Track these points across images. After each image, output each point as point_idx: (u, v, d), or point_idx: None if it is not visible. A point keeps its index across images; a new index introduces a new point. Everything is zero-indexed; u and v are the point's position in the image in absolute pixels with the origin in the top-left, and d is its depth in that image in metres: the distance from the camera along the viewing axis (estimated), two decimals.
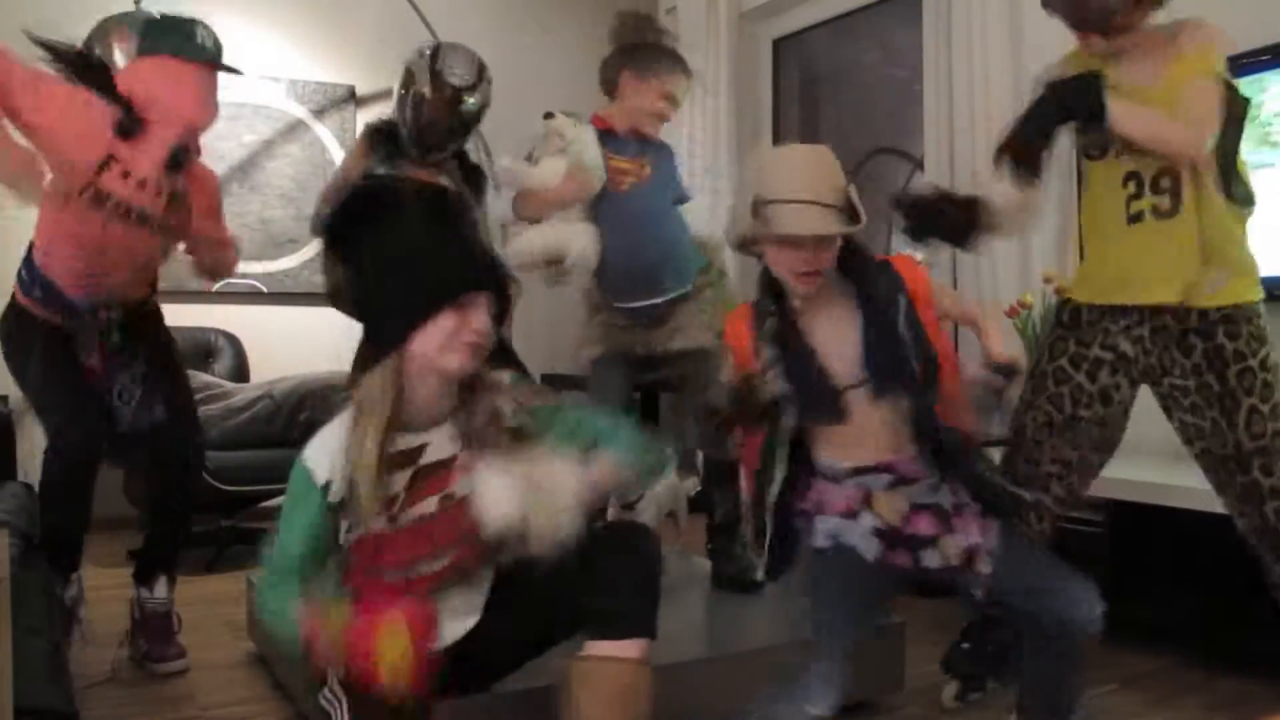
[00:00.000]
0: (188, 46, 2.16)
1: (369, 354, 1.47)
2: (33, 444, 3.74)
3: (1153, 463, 2.53)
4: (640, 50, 2.51)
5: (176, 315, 4.07)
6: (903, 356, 1.61)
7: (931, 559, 1.60)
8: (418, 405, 1.49)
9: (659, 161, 2.56)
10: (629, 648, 1.48)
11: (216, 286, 4.20)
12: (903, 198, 1.94)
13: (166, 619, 2.42)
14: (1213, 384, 1.92)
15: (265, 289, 4.30)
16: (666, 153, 2.62)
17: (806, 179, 1.55)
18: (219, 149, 4.23)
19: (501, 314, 1.52)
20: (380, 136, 2.64)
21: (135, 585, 2.46)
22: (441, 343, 1.43)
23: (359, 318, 1.53)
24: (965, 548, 1.61)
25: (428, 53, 2.61)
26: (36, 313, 2.29)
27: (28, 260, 2.29)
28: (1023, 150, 1.89)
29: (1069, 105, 1.89)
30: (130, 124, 2.11)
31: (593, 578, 1.48)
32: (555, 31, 4.87)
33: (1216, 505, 2.25)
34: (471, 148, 2.79)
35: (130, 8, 3.39)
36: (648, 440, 1.59)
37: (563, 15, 4.92)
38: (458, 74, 2.62)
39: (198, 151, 2.33)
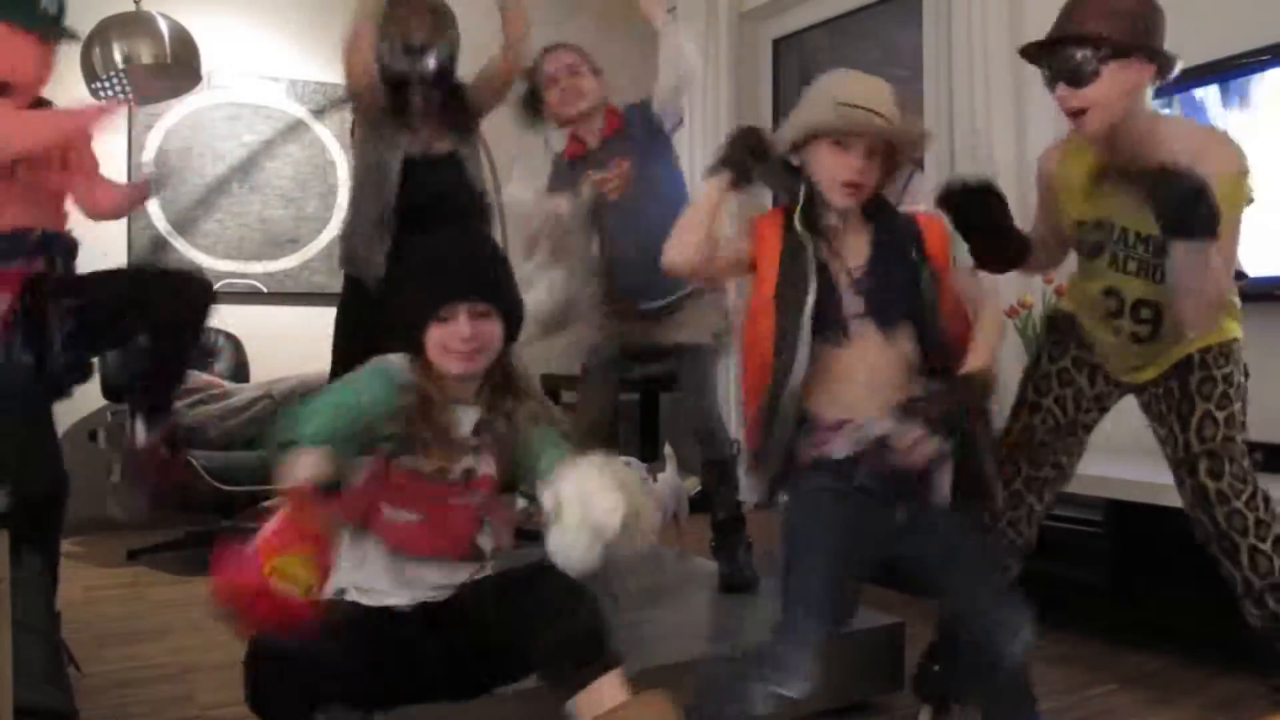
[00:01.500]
0: (24, 10, 2.09)
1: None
2: None
3: (1153, 463, 2.52)
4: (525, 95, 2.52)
5: None
6: (903, 296, 1.61)
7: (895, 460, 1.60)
8: (450, 386, 1.60)
9: (634, 140, 2.46)
10: (613, 686, 1.45)
11: (216, 287, 4.22)
12: (961, 188, 1.89)
13: (156, 455, 2.33)
14: (1175, 390, 1.94)
15: (265, 289, 4.30)
16: (634, 120, 2.49)
17: (880, 95, 1.59)
18: (219, 149, 4.24)
19: (509, 320, 1.61)
20: (376, 114, 2.59)
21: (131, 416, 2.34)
22: (440, 353, 1.56)
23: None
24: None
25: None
26: None
27: None
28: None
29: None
30: None
31: (538, 611, 1.50)
32: (555, 31, 4.86)
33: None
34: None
35: (130, 7, 3.39)
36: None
37: (562, 15, 4.91)
38: (415, 37, 2.55)
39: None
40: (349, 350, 2.43)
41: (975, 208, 1.89)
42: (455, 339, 1.54)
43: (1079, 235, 1.99)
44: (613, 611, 1.60)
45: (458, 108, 2.55)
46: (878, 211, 1.65)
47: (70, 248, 2.24)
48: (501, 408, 1.63)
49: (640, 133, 2.47)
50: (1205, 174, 1.61)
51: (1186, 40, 2.88)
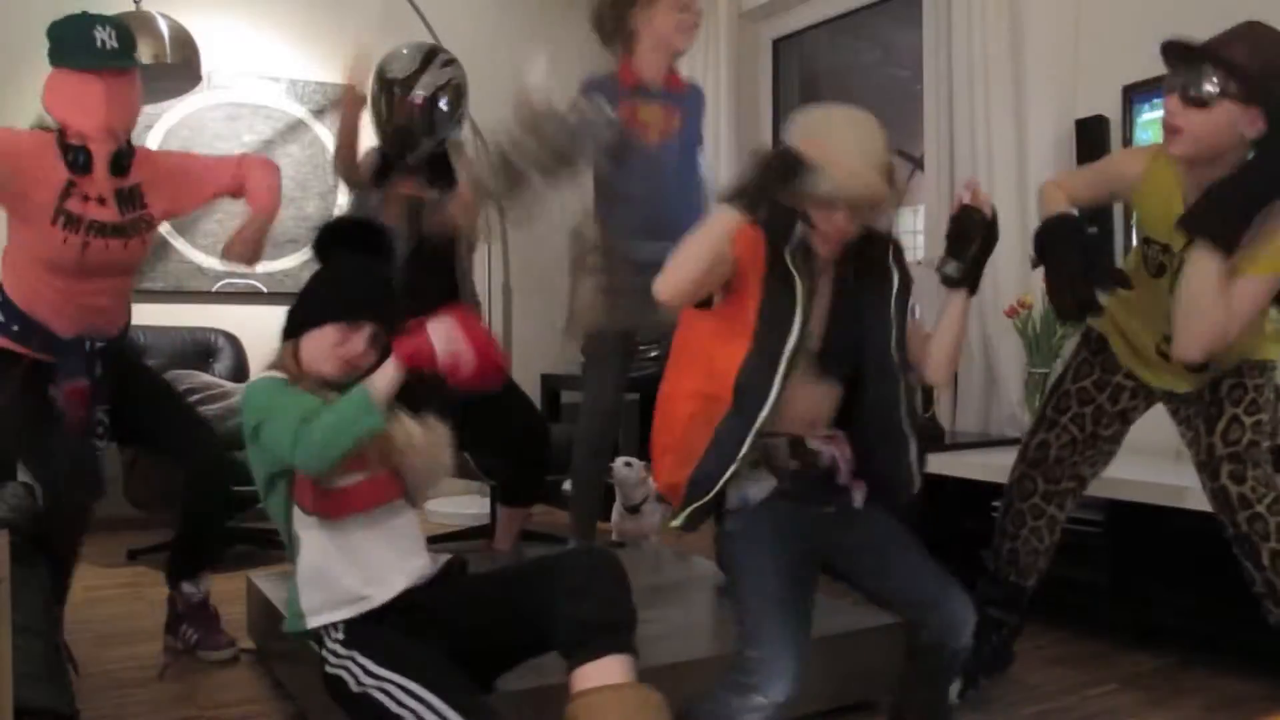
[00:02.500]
0: (83, 56, 2.08)
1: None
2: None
3: (1153, 463, 2.53)
4: None
5: (176, 315, 4.11)
6: (861, 344, 1.63)
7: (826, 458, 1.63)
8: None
9: (689, 112, 2.49)
10: (618, 669, 1.47)
11: (216, 287, 4.22)
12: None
13: (208, 607, 2.45)
14: (1205, 394, 2.00)
15: (265, 289, 4.30)
16: (695, 100, 2.56)
17: (867, 142, 1.58)
18: (219, 149, 4.24)
19: (383, 347, 1.67)
20: (371, 159, 2.70)
21: (172, 581, 2.44)
22: (330, 352, 1.68)
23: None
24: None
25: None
26: (15, 349, 2.22)
27: (3, 301, 2.23)
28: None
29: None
30: (79, 158, 2.12)
31: (563, 593, 1.53)
32: (556, 31, 4.87)
33: None
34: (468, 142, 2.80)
35: (130, 7, 3.39)
36: None
37: (562, 15, 4.92)
38: (394, 68, 2.64)
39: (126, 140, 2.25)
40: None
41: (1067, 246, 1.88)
42: (350, 349, 1.67)
43: (1144, 251, 2.01)
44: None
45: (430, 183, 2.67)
46: (864, 242, 1.65)
47: (114, 351, 2.33)
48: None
49: (693, 108, 2.52)
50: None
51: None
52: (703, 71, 4.53)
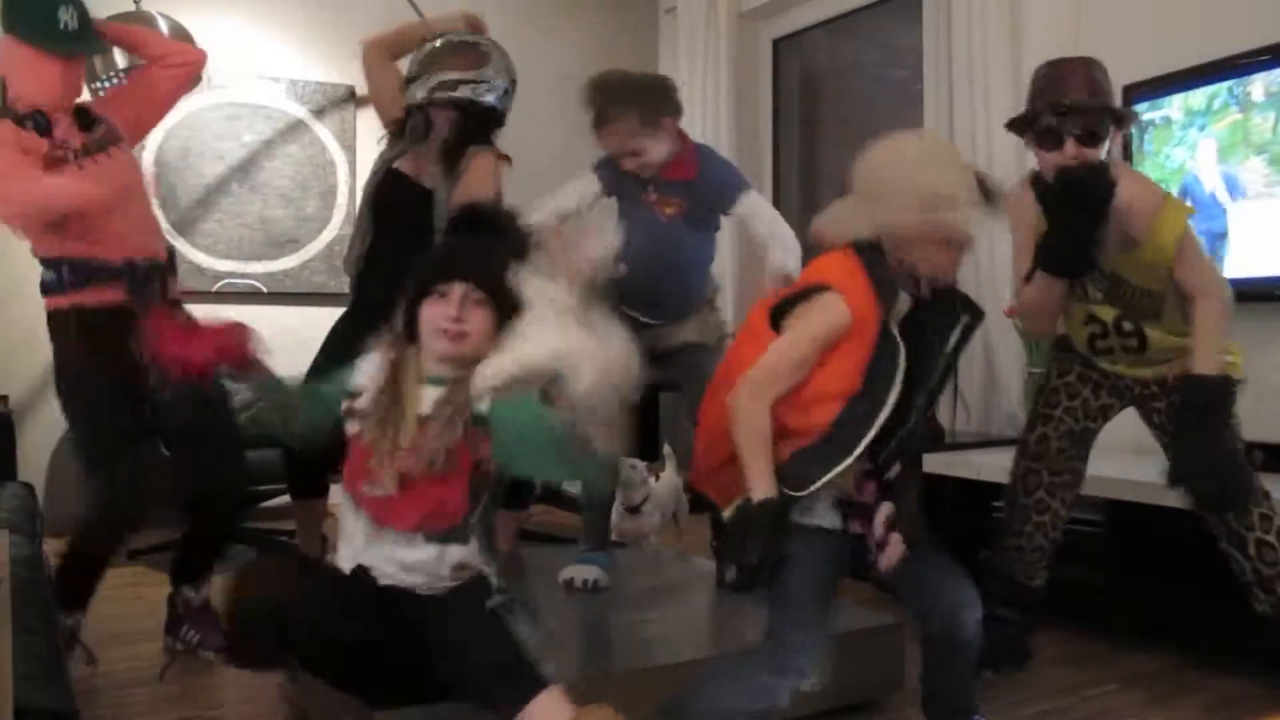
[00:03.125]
0: (46, 36, 2.13)
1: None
2: (32, 444, 3.75)
3: (1153, 463, 2.53)
4: (596, 108, 2.41)
5: None
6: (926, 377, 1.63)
7: (879, 523, 1.63)
8: (429, 367, 1.66)
9: (691, 198, 2.44)
10: (551, 707, 1.46)
11: (216, 287, 4.22)
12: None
13: (209, 610, 2.45)
14: (1176, 402, 2.09)
15: (265, 289, 4.30)
16: (701, 183, 2.45)
17: (969, 178, 1.61)
18: (219, 149, 4.24)
19: (501, 308, 1.62)
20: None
21: (176, 583, 2.45)
22: (429, 327, 1.63)
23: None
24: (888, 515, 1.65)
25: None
26: (84, 302, 2.22)
27: (44, 262, 2.25)
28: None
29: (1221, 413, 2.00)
30: (39, 121, 2.17)
31: (450, 656, 1.52)
32: (556, 31, 4.87)
33: None
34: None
35: (130, 7, 3.39)
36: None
37: (562, 15, 4.92)
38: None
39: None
40: (333, 343, 2.51)
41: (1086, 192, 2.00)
42: (445, 317, 1.60)
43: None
44: (533, 625, 1.59)
45: (449, 159, 2.55)
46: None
47: (164, 276, 2.32)
48: (458, 393, 1.62)
49: (701, 200, 2.44)
50: (1149, 227, 1.97)
51: (1186, 40, 2.89)
52: (702, 71, 4.54)
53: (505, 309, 1.62)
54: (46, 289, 2.25)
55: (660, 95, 2.41)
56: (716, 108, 4.50)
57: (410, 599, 1.61)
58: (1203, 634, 2.44)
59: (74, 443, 2.30)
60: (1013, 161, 3.29)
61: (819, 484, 1.54)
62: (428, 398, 1.64)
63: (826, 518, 1.63)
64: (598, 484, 2.57)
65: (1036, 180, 2.13)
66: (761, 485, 1.51)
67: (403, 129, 2.60)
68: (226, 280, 4.26)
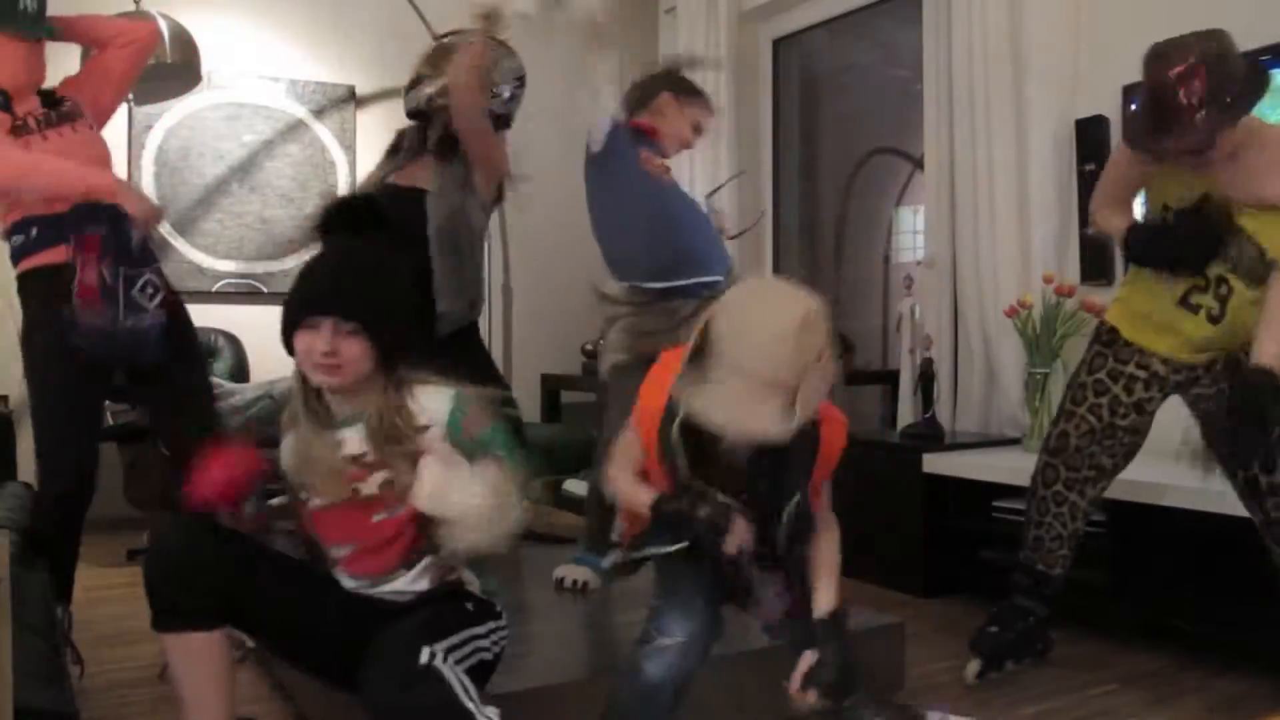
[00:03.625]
0: (5, 18, 2.16)
1: None
2: (32, 444, 3.74)
3: (1152, 463, 2.53)
4: (684, 81, 2.62)
5: None
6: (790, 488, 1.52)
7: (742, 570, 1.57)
8: (330, 404, 1.61)
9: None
10: None
11: (216, 287, 4.22)
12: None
13: None
14: (1225, 389, 2.08)
15: (265, 289, 4.30)
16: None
17: (773, 360, 1.39)
18: (219, 149, 4.24)
19: (378, 339, 1.55)
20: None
21: None
22: (302, 360, 1.58)
23: None
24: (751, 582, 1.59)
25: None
26: (40, 262, 2.19)
27: (11, 228, 2.24)
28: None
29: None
30: (1, 100, 2.17)
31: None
32: (555, 30, 4.86)
33: (1215, 505, 2.27)
34: None
35: (130, 7, 3.40)
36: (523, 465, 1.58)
37: (563, 15, 4.91)
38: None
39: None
40: None
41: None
42: (315, 351, 1.53)
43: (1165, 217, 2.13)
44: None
45: (447, 148, 2.54)
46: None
47: (119, 215, 2.23)
48: (386, 411, 1.56)
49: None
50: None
51: None
52: (702, 72, 4.53)
53: (380, 336, 1.55)
54: (15, 255, 2.23)
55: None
56: (716, 108, 4.50)
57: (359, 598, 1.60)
58: (1203, 634, 2.44)
59: (31, 413, 2.26)
60: (1013, 161, 3.30)
61: (645, 553, 1.56)
62: (352, 441, 1.58)
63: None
64: (600, 490, 2.57)
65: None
66: None
67: (399, 144, 2.61)
68: (226, 280, 4.26)
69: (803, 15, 4.47)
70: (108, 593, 3.02)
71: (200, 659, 1.54)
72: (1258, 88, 1.94)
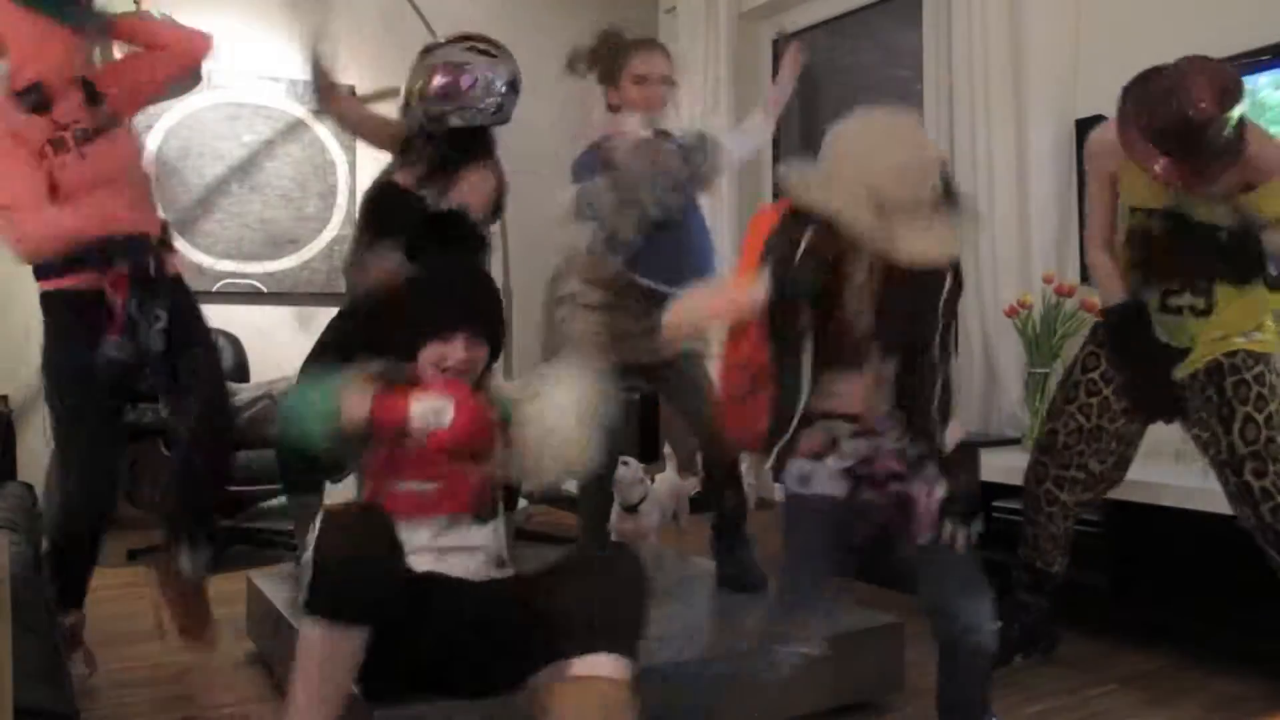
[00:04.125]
0: (58, 6, 2.12)
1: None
2: (32, 444, 3.75)
3: (1152, 463, 2.53)
4: (600, 51, 2.58)
5: None
6: (926, 327, 1.63)
7: (896, 490, 1.65)
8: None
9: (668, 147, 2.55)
10: (609, 665, 1.50)
11: (216, 286, 4.22)
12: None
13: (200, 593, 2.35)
14: (1213, 396, 2.09)
15: (265, 289, 4.30)
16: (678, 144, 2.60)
17: (929, 176, 1.53)
18: (219, 149, 4.24)
19: (494, 344, 1.76)
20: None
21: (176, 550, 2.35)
22: (432, 366, 1.69)
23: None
24: (910, 495, 1.66)
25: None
26: (65, 285, 2.20)
27: None
28: None
29: None
30: (34, 99, 2.14)
31: (578, 596, 1.55)
32: (556, 30, 4.87)
33: (1215, 505, 2.27)
34: None
35: (130, 8, 3.39)
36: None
37: (563, 15, 4.92)
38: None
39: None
40: (326, 351, 2.51)
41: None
42: (449, 358, 1.68)
43: (1133, 222, 2.14)
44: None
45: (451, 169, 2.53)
46: None
47: (145, 247, 2.26)
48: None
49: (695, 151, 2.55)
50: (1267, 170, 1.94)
51: (1187, 40, 2.88)
52: (703, 71, 4.54)
53: (496, 346, 1.76)
54: (39, 272, 2.23)
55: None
56: (716, 107, 4.50)
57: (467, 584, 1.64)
58: (1203, 634, 2.44)
59: (53, 429, 2.26)
60: (1013, 161, 3.30)
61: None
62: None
63: (828, 485, 1.64)
64: (592, 486, 2.58)
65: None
66: None
67: (406, 146, 2.59)
68: (226, 280, 4.25)
69: (803, 15, 4.47)
70: (108, 593, 3.02)
71: (340, 657, 1.48)
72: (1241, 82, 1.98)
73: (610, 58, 2.56)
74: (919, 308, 1.62)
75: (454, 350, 1.68)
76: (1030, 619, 2.37)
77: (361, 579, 1.45)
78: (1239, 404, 2.06)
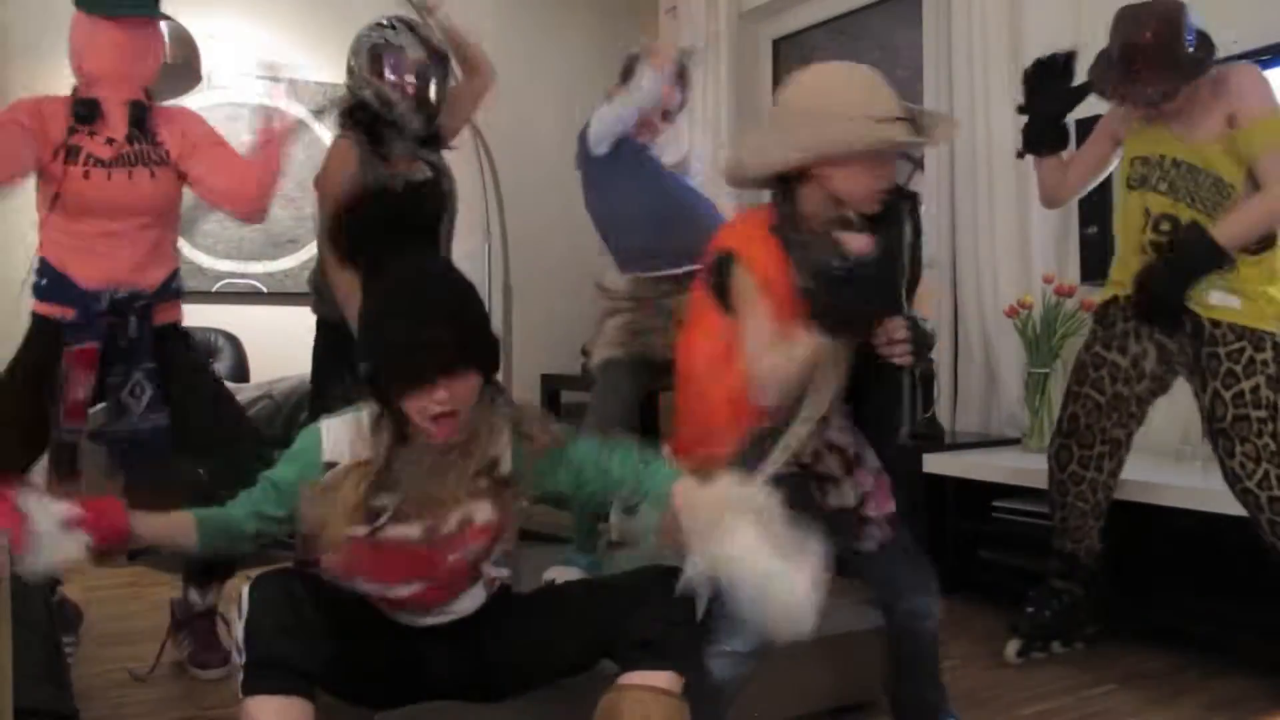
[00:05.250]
0: (100, 2, 2.10)
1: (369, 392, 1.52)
2: None
3: (1152, 463, 2.53)
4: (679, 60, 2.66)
5: None
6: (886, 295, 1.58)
7: (835, 498, 1.66)
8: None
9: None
10: (664, 679, 1.46)
11: (216, 287, 4.22)
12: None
13: (210, 620, 2.37)
14: (1191, 356, 2.16)
15: (265, 289, 4.30)
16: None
17: (888, 93, 1.59)
18: None
19: (485, 364, 1.51)
20: (360, 135, 2.61)
21: (186, 585, 2.39)
22: (418, 417, 1.45)
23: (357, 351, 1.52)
24: (862, 493, 1.66)
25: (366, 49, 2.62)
26: (45, 313, 2.20)
27: (41, 266, 2.22)
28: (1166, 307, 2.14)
29: (1195, 269, 2.09)
30: (85, 109, 2.14)
31: (633, 605, 1.50)
32: (556, 29, 4.87)
33: (1215, 505, 2.27)
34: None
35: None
36: (647, 454, 1.58)
37: (563, 15, 4.92)
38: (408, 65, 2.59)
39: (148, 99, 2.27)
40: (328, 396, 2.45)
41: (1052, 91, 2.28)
42: (433, 406, 1.43)
43: (1130, 172, 2.22)
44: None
45: (430, 138, 2.62)
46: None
47: (147, 306, 2.22)
48: (474, 456, 1.52)
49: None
50: (1241, 113, 2.04)
51: None
52: (703, 71, 4.53)
53: (488, 370, 1.52)
54: (32, 291, 2.23)
55: None
56: (716, 108, 4.50)
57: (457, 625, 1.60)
58: (1203, 634, 2.44)
59: None
60: (1013, 161, 3.29)
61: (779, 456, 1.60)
62: (451, 474, 1.52)
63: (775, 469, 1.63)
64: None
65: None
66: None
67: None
68: (226, 280, 4.26)
69: (803, 15, 4.47)
70: (108, 593, 3.02)
71: None
72: (1210, 49, 2.09)
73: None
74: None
75: (436, 397, 1.42)
76: (1063, 604, 2.40)
77: (293, 653, 1.38)
78: (1209, 377, 2.11)
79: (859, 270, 1.50)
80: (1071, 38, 3.24)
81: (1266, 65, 2.57)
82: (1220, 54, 2.13)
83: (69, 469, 2.19)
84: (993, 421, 3.42)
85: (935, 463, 3.00)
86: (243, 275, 4.28)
